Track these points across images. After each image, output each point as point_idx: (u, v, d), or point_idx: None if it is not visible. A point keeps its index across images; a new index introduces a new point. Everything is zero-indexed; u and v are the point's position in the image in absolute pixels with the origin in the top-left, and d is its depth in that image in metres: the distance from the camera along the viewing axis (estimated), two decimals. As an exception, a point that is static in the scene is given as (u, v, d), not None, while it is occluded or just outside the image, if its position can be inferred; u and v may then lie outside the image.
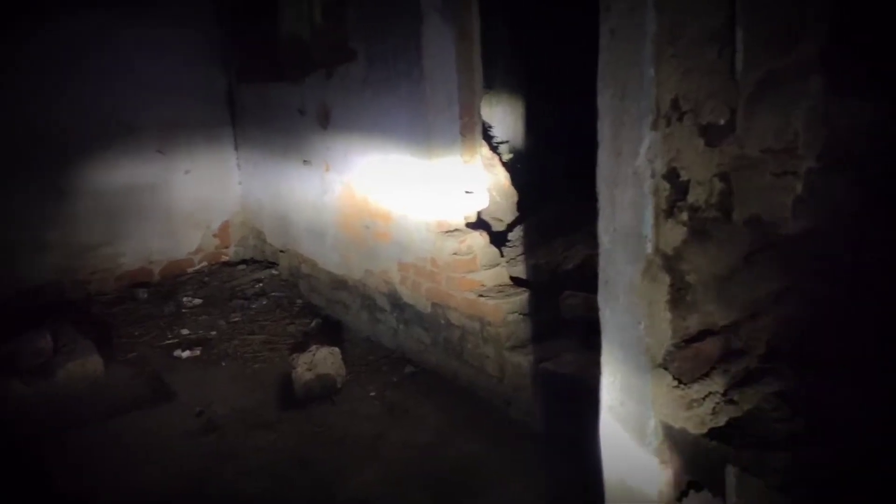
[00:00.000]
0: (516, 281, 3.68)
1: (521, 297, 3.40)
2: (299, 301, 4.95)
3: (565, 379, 3.01)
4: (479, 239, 3.54)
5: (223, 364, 4.04)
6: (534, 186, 4.15)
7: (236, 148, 5.65)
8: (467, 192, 3.62)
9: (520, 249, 3.88)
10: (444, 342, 3.68)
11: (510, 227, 3.98)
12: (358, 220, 4.20)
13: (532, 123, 4.36)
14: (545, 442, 3.00)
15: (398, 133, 3.67)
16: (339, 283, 4.53)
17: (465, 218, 3.62)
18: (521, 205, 4.01)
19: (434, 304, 3.72)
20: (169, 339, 4.39)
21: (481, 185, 3.66)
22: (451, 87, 3.45)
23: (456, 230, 3.59)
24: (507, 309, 3.34)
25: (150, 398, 3.62)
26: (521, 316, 3.37)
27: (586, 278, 3.46)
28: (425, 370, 3.79)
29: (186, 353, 4.15)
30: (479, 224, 3.69)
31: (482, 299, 3.40)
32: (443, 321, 3.67)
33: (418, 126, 3.49)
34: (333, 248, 4.52)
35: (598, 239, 1.83)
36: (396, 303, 4.03)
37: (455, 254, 3.48)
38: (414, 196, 3.69)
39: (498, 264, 3.61)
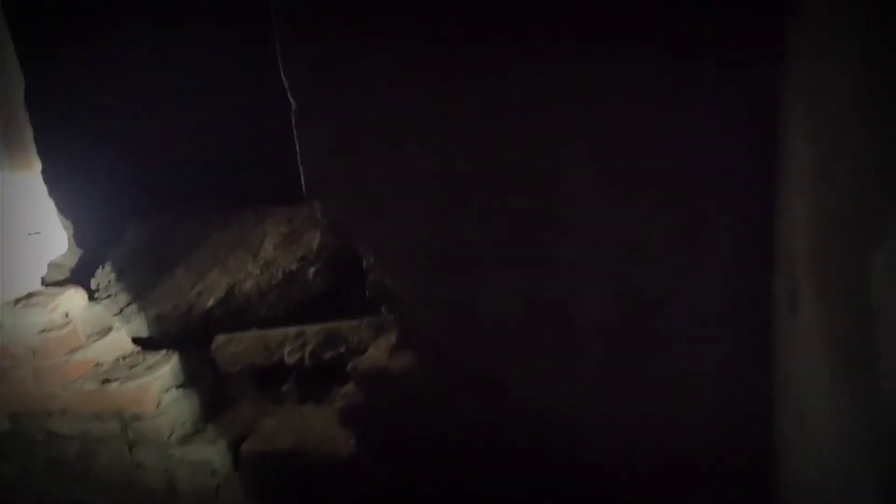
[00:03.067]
0: (144, 343, 2.57)
1: (171, 362, 2.36)
2: None
3: (287, 458, 2.17)
4: (77, 299, 2.33)
5: None
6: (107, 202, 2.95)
7: None
8: (33, 233, 2.33)
9: (123, 298, 2.74)
10: (49, 467, 2.37)
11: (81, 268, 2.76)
12: None
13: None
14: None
15: None
16: None
17: (47, 274, 2.34)
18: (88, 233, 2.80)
19: (16, 416, 2.35)
20: None
21: (51, 217, 2.41)
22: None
23: (32, 295, 2.29)
24: (160, 387, 2.27)
25: None
26: (181, 390, 2.33)
27: (234, 313, 2.62)
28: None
29: None
30: (72, 276, 2.44)
31: (112, 385, 2.24)
32: (40, 437, 2.35)
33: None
34: None
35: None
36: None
37: (45, 331, 2.21)
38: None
39: (111, 327, 2.44)
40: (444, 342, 1.79)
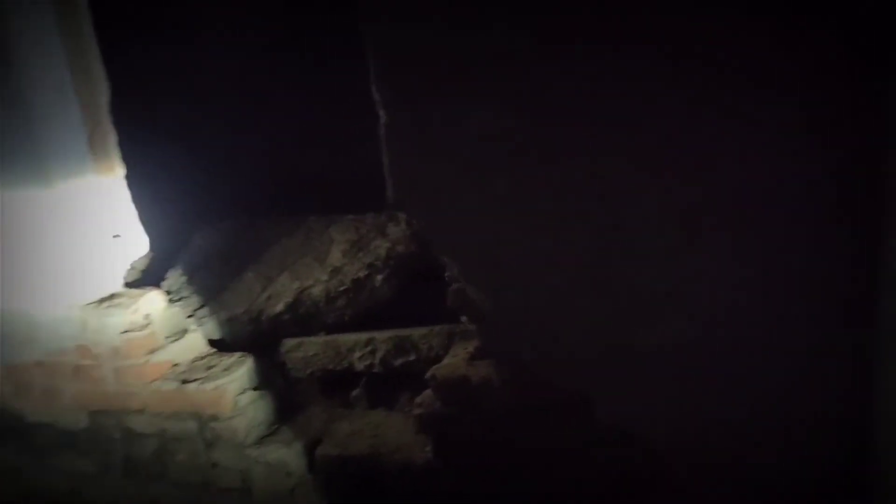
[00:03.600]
0: (216, 345, 2.62)
1: (246, 365, 2.40)
2: None
3: (362, 464, 2.18)
4: (158, 301, 2.38)
5: None
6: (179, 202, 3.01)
7: None
8: (115, 235, 2.39)
9: (195, 301, 2.79)
10: (126, 464, 2.43)
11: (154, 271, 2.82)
12: None
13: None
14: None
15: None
16: None
17: (126, 276, 2.40)
18: (164, 236, 2.86)
19: (95, 414, 2.42)
20: None
21: (131, 215, 2.46)
22: (62, 77, 2.18)
23: (115, 296, 2.35)
24: (236, 389, 2.31)
25: None
26: (257, 393, 2.37)
27: (303, 318, 2.65)
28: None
29: None
30: (144, 278, 2.50)
31: (191, 386, 2.29)
32: (118, 435, 2.41)
33: (22, 139, 2.13)
34: None
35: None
36: (10, 427, 2.53)
37: (128, 331, 2.26)
38: (25, 255, 2.29)
39: (186, 330, 2.49)
40: (525, 354, 1.79)
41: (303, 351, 2.58)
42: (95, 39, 2.22)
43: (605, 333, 1.66)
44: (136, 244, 2.43)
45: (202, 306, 2.78)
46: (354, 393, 2.50)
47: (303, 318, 2.68)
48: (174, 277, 2.87)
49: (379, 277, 2.66)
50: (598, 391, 1.71)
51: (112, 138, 2.32)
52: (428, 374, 2.00)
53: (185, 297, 2.76)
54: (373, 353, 2.50)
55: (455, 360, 2.04)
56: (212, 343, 2.58)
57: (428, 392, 2.05)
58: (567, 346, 1.71)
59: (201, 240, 3.02)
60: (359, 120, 2.17)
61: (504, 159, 1.60)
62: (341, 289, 2.66)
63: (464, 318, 1.87)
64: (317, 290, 2.67)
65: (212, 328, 2.69)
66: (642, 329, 1.62)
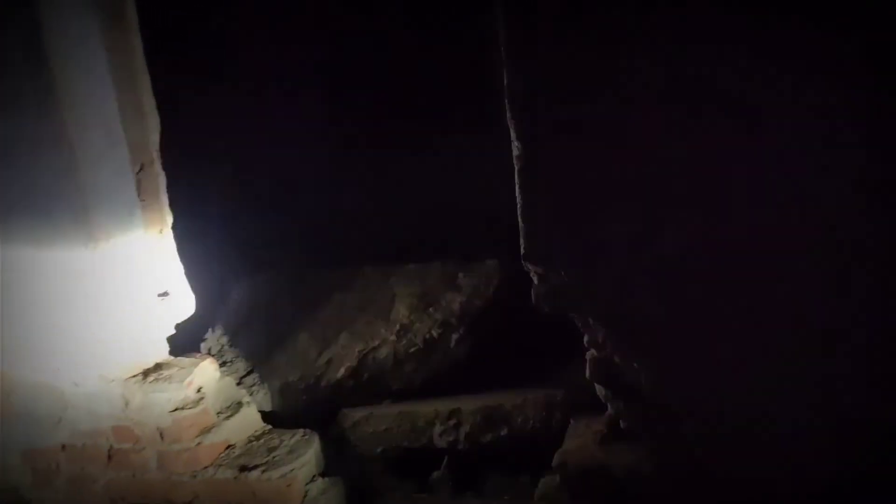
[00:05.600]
0: (271, 419, 2.26)
1: (314, 446, 2.04)
2: None
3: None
4: (211, 370, 2.03)
5: None
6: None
7: None
8: (161, 294, 2.05)
9: (242, 366, 2.45)
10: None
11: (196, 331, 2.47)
12: None
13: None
14: None
15: (18, 207, 1.87)
16: None
17: (171, 341, 2.05)
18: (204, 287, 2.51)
19: (133, 508, 2.03)
20: None
21: (178, 274, 2.13)
22: (110, 113, 1.87)
23: (161, 366, 1.99)
24: (305, 476, 1.95)
25: None
26: (327, 480, 2.01)
27: (366, 385, 2.34)
28: None
29: None
30: (187, 343, 2.15)
31: (252, 475, 1.92)
32: (159, 532, 2.02)
33: (62, 187, 1.80)
34: None
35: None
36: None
37: (179, 409, 1.90)
38: (56, 319, 1.94)
39: (240, 402, 2.14)
40: (688, 434, 1.47)
41: (372, 425, 2.24)
42: (146, 68, 1.92)
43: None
44: (182, 304, 2.08)
45: (249, 372, 2.44)
46: (435, 475, 2.15)
47: (366, 385, 2.36)
48: (214, 339, 2.53)
49: (454, 337, 2.36)
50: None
51: (162, 182, 1.99)
52: (556, 461, 1.66)
53: (229, 363, 2.42)
54: (457, 426, 2.18)
55: (582, 442, 1.71)
56: (267, 416, 2.23)
57: (549, 481, 1.71)
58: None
59: (241, 295, 2.69)
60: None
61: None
62: (411, 350, 2.35)
63: (603, 393, 1.55)
64: (383, 353, 2.36)
65: (263, 398, 2.34)
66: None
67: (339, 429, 2.24)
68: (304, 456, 1.95)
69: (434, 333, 2.35)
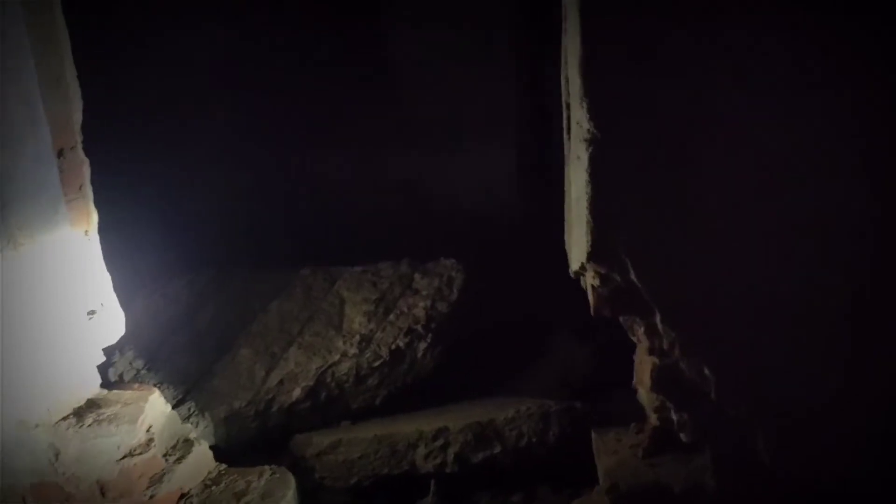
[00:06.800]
0: (217, 454, 1.90)
1: (290, 488, 1.73)
2: None
3: None
4: (160, 405, 1.65)
5: None
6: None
7: None
8: (90, 312, 1.63)
9: (170, 393, 2.05)
10: None
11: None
12: None
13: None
14: None
15: None
16: None
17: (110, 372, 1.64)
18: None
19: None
20: None
21: (107, 286, 1.71)
22: (30, 90, 1.44)
23: (96, 403, 1.59)
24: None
25: None
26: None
27: (323, 405, 2.06)
28: None
29: None
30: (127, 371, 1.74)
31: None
32: None
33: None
34: None
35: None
36: None
37: (128, 456, 1.51)
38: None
39: (188, 439, 1.77)
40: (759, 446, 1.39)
41: (343, 453, 1.94)
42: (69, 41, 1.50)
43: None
44: (112, 322, 1.67)
45: (181, 401, 2.04)
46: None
47: (323, 406, 2.06)
48: (124, 362, 2.08)
49: (422, 346, 2.14)
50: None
51: (87, 171, 1.58)
52: (603, 484, 1.51)
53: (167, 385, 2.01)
54: (444, 447, 1.95)
55: (620, 458, 1.57)
56: (216, 450, 1.86)
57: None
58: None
59: (151, 305, 2.26)
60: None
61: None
62: (375, 364, 2.09)
63: (656, 404, 1.43)
64: (343, 368, 2.08)
65: (204, 431, 1.96)
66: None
67: (296, 458, 1.93)
68: (284, 500, 1.63)
69: (401, 343, 2.11)
